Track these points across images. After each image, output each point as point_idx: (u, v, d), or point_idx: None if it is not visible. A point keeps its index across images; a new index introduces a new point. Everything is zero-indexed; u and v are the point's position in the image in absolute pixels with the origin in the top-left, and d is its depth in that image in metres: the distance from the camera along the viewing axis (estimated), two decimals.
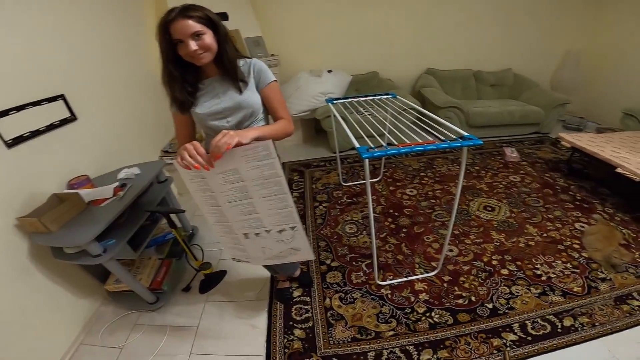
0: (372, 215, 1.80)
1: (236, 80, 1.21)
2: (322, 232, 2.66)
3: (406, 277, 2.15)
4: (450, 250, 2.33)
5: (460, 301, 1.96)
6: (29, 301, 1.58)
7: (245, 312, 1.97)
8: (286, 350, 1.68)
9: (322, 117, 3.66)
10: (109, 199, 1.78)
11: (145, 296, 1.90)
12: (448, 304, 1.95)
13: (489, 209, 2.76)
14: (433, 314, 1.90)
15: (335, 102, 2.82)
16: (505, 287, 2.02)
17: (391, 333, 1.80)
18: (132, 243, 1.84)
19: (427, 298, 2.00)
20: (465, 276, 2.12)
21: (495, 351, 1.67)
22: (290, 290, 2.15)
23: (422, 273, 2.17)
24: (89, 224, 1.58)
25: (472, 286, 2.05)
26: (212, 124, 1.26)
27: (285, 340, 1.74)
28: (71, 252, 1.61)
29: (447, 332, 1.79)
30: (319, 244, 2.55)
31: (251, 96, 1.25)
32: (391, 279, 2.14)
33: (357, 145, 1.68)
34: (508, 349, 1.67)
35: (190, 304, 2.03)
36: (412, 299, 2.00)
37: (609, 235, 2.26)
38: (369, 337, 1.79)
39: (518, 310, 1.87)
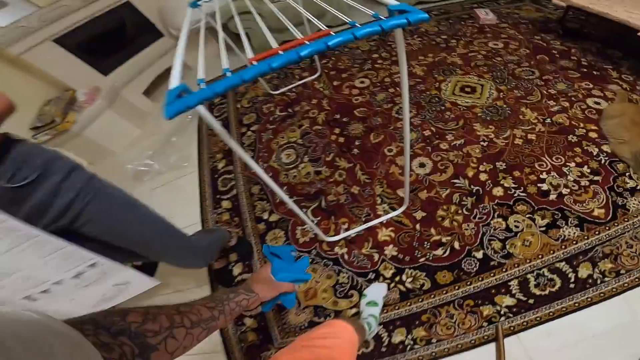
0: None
1: None
2: (253, 170, 1.79)
3: (365, 222, 1.42)
4: (421, 166, 1.53)
5: (439, 252, 1.28)
6: None
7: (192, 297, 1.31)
8: (242, 345, 1.25)
9: (225, 20, 2.25)
10: None
11: None
12: (423, 259, 1.28)
13: (468, 90, 1.83)
14: (404, 276, 1.25)
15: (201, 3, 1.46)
16: (499, 220, 1.32)
17: (354, 311, 1.19)
18: None
19: (395, 253, 1.31)
20: (445, 207, 1.39)
21: (485, 324, 1.09)
22: (229, 268, 1.48)
23: (386, 212, 1.43)
24: None
25: (455, 223, 1.34)
26: None
27: (239, 333, 1.27)
28: None
29: (423, 302, 1.17)
30: (251, 191, 1.72)
31: None
32: (346, 230, 1.41)
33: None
34: (502, 319, 1.08)
35: (133, 302, 1.43)
36: (376, 257, 1.32)
37: (639, 118, 1.44)
38: (329, 318, 1.16)
39: (517, 257, 1.22)
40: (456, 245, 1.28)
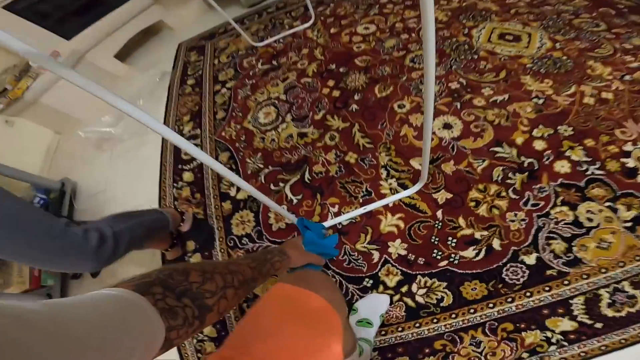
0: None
1: None
2: (223, 134, 1.36)
3: (363, 204, 0.97)
4: (447, 127, 1.06)
5: (469, 253, 0.84)
6: None
7: None
8: (199, 356, 0.94)
9: None
10: None
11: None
12: (445, 263, 0.85)
13: (509, 38, 1.32)
14: (415, 287, 0.82)
15: None
16: (564, 210, 0.85)
17: None
18: None
19: (403, 252, 0.87)
20: (481, 187, 0.93)
21: (525, 355, 0.70)
22: (186, 259, 1.11)
23: (393, 190, 0.98)
24: None
25: (495, 212, 0.89)
26: None
27: (196, 342, 0.96)
28: None
29: (438, 323, 0.76)
30: (219, 159, 1.29)
31: None
32: (335, 215, 0.97)
33: None
34: (552, 349, 0.67)
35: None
36: (376, 256, 0.88)
37: None
38: None
39: (588, 265, 0.77)
40: (496, 244, 0.83)
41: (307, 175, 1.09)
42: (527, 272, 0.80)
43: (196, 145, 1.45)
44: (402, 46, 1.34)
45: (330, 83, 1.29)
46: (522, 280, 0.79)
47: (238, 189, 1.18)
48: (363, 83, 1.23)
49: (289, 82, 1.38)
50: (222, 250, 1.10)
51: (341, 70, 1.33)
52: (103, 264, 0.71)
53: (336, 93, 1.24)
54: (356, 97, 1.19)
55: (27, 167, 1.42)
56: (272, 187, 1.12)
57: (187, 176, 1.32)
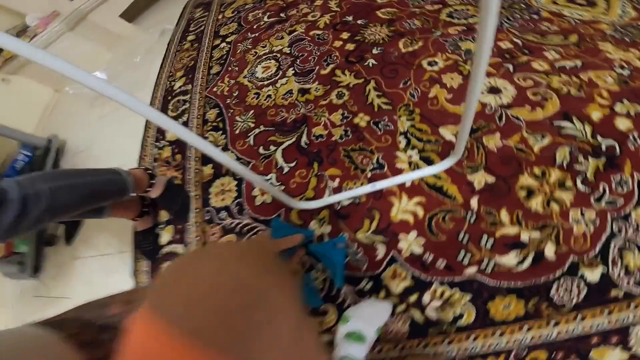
0: None
1: None
2: (214, 89, 1.12)
3: (371, 179, 0.72)
4: (493, 91, 0.78)
5: (510, 259, 0.59)
6: None
7: (112, 273, 1.01)
8: None
9: None
10: None
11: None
12: (474, 269, 0.59)
13: (581, 2, 1.02)
14: (427, 296, 0.59)
15: None
16: None
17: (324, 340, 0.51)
18: None
19: (418, 249, 0.63)
20: (537, 172, 0.66)
21: None
22: (155, 232, 0.92)
23: (414, 165, 0.72)
24: None
25: (554, 207, 0.62)
26: None
27: None
28: None
29: (451, 345, 0.53)
30: (206, 117, 1.07)
31: None
32: (334, 191, 0.72)
33: None
34: None
35: (58, 265, 1.15)
36: (381, 251, 0.64)
37: None
38: None
39: None
40: (549, 250, 0.58)
41: (304, 138, 0.84)
42: (586, 290, 0.54)
43: (184, 101, 1.24)
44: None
45: (344, 35, 1.03)
46: (575, 300, 0.54)
47: (224, 150, 0.95)
48: (385, 36, 0.97)
49: (295, 35, 1.13)
50: (197, 224, 0.88)
51: (359, 22, 1.06)
52: (3, 232, 0.50)
53: (350, 46, 0.98)
54: (375, 51, 0.93)
55: (22, 125, 1.36)
56: (261, 150, 0.88)
57: (171, 134, 1.10)
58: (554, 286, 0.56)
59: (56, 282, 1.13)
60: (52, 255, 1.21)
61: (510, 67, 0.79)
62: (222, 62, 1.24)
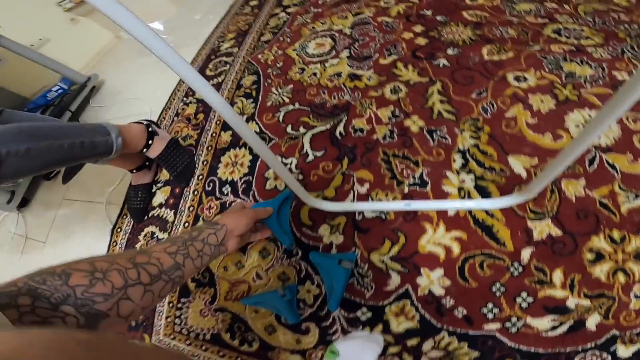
0: None
1: None
2: (259, 56, 1.03)
3: (406, 196, 0.58)
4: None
5: (544, 323, 0.45)
6: None
7: (91, 226, 0.93)
8: None
9: None
10: None
11: None
12: (496, 326, 0.47)
13: None
14: (428, 344, 0.47)
15: None
16: None
17: None
18: None
19: (439, 291, 0.51)
20: (616, 234, 0.49)
21: None
22: (153, 191, 0.85)
23: (465, 192, 0.57)
24: None
25: (620, 277, 0.46)
26: None
27: None
28: None
29: None
30: (241, 82, 0.98)
31: None
32: (360, 196, 0.59)
33: None
34: None
35: (45, 202, 1.12)
36: (395, 280, 0.51)
37: None
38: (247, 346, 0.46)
39: None
40: (592, 321, 0.45)
41: (340, 128, 0.71)
42: None
43: (226, 63, 1.16)
44: (543, 13, 0.88)
45: (417, 29, 0.88)
46: None
47: (250, 120, 0.84)
48: (467, 38, 0.81)
49: (361, 18, 1.00)
50: (196, 193, 0.78)
51: (438, 18, 0.91)
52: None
53: (421, 41, 0.83)
54: (450, 52, 0.77)
55: (71, 62, 1.41)
56: (289, 129, 0.76)
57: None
58: (577, 357, 0.44)
59: (36, 221, 1.08)
60: (44, 191, 1.18)
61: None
62: (275, 31, 1.14)
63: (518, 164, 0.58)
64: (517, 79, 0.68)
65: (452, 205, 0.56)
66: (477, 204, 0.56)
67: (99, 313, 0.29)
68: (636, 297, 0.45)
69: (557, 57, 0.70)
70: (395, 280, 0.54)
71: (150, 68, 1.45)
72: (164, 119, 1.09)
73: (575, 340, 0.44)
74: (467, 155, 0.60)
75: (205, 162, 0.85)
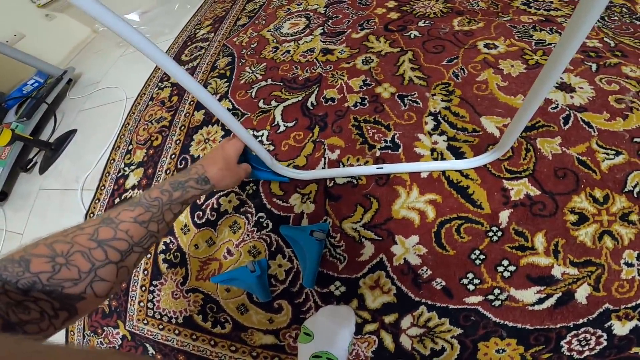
0: None
1: None
2: (234, 39, 1.00)
3: (378, 160, 0.56)
4: (563, 88, 0.60)
5: (527, 295, 0.43)
6: None
7: (67, 211, 0.90)
8: None
9: None
10: None
11: None
12: (478, 298, 0.44)
13: None
14: (407, 320, 0.45)
15: None
16: None
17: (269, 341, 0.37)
18: None
19: (415, 260, 0.48)
20: (598, 193, 0.47)
21: None
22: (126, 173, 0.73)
23: (438, 153, 0.55)
24: None
25: (607, 241, 0.43)
26: None
27: None
28: None
29: None
30: (215, 64, 0.95)
31: None
32: (330, 163, 0.56)
33: None
34: None
35: (23, 195, 1.07)
36: (369, 250, 0.50)
37: None
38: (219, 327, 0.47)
39: None
40: (582, 292, 0.41)
41: (312, 99, 0.68)
42: (605, 344, 0.38)
43: (202, 48, 1.12)
44: None
45: (390, 4, 0.86)
46: (586, 354, 0.39)
47: (222, 98, 0.81)
48: (438, 11, 0.80)
49: None
50: (168, 172, 0.75)
51: None
52: None
53: (394, 15, 0.82)
54: (421, 24, 0.76)
55: (49, 56, 1.42)
56: (260, 104, 0.73)
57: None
58: (570, 335, 0.40)
59: (15, 215, 1.03)
60: (22, 183, 1.13)
61: (594, 67, 0.60)
62: (252, 15, 1.11)
63: (490, 124, 0.56)
64: (487, 46, 0.67)
65: (425, 166, 0.54)
66: (450, 164, 0.53)
67: (72, 296, 0.26)
68: (627, 264, 0.42)
69: (527, 27, 0.69)
70: (369, 249, 0.51)
71: (127, 58, 1.41)
72: (139, 104, 1.05)
73: (565, 315, 0.41)
74: (439, 118, 0.58)
75: (178, 142, 0.81)
